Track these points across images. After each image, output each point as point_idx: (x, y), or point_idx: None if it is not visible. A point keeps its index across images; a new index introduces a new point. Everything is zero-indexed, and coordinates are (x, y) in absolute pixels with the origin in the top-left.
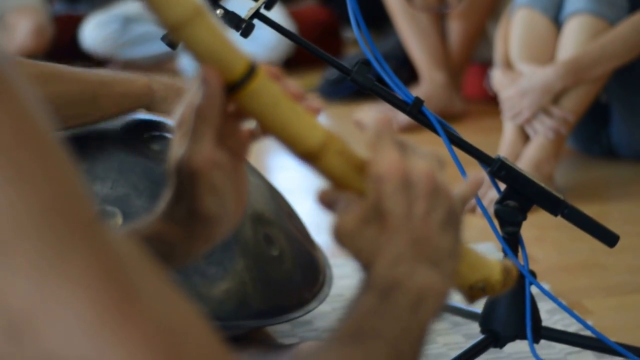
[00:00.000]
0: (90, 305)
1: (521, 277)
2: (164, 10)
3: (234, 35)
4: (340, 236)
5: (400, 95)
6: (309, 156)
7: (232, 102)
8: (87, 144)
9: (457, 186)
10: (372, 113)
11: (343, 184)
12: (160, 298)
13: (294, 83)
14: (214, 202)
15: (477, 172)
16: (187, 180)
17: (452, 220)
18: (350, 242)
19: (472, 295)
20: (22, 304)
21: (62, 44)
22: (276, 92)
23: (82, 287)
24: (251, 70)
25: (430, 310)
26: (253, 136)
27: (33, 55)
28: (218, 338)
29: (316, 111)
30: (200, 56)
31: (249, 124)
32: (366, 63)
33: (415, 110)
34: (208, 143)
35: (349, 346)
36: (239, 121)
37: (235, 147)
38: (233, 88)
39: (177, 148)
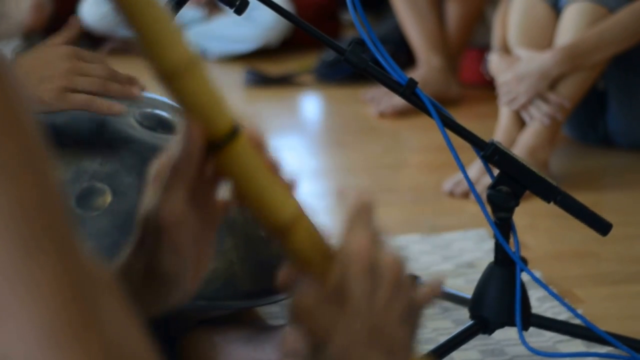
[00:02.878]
0: (48, 318)
1: (512, 264)
2: (159, 56)
3: (229, 13)
4: (298, 312)
5: (394, 76)
6: (278, 229)
7: (210, 161)
8: (75, 120)
9: (418, 289)
10: (357, 191)
11: (306, 265)
12: (118, 327)
13: (274, 154)
14: (173, 261)
15: (437, 277)
16: (151, 233)
17: (412, 317)
18: (307, 319)
19: None
20: None
21: (61, 21)
22: (255, 159)
23: (44, 296)
24: (234, 131)
25: None
26: (226, 208)
27: (32, 31)
28: None
29: (291, 186)
30: (187, 108)
31: (224, 194)
32: (360, 43)
33: (408, 91)
34: (179, 198)
35: None
36: (214, 188)
37: (207, 216)
38: (214, 147)
39: (148, 199)
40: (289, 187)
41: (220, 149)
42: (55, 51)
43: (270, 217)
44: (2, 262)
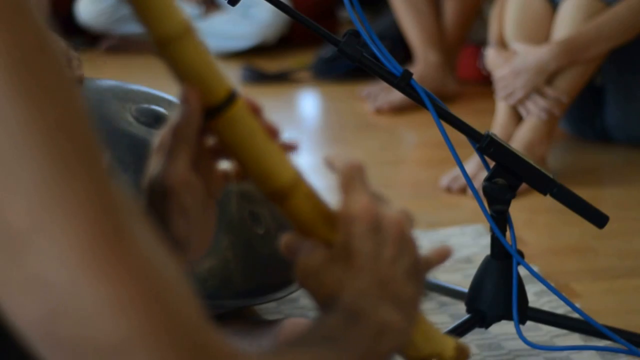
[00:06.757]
0: (83, 236)
1: (509, 257)
2: (155, 23)
3: (226, 11)
4: (304, 274)
5: (389, 68)
6: (278, 194)
7: (209, 128)
8: None
9: (424, 250)
10: (343, 156)
11: (308, 230)
12: (150, 248)
13: (271, 120)
14: (183, 225)
15: (444, 246)
16: (158, 199)
17: (417, 273)
18: (314, 279)
19: None
20: (19, 222)
21: (58, 19)
22: (253, 124)
23: (78, 216)
24: (231, 97)
25: (390, 344)
26: (226, 178)
27: None
28: (198, 299)
29: (292, 148)
30: (183, 75)
31: (225, 165)
32: (355, 34)
33: (403, 83)
34: (183, 163)
35: (322, 346)
36: (215, 159)
37: (208, 185)
38: (212, 113)
39: (152, 168)
40: (289, 150)
41: (218, 115)
42: None
43: (269, 182)
44: (37, 185)
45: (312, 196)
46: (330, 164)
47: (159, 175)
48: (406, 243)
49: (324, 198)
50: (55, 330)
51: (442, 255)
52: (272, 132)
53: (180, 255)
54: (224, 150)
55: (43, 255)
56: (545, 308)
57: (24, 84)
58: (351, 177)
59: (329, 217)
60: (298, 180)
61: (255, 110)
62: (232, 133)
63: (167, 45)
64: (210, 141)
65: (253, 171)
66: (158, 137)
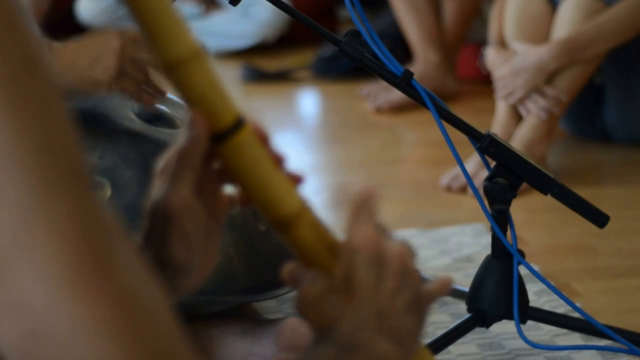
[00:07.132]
0: (63, 257)
1: (509, 257)
2: (164, 46)
3: (226, 10)
4: (304, 303)
5: (390, 67)
6: (282, 222)
7: (216, 153)
8: (73, 114)
9: (427, 283)
10: (359, 184)
11: (310, 259)
12: (132, 272)
13: (278, 148)
14: (182, 250)
15: (446, 276)
16: (160, 223)
17: (418, 307)
18: (314, 308)
19: None
20: (0, 240)
21: (58, 17)
22: (259, 152)
23: (59, 237)
24: (239, 123)
25: None
26: (232, 203)
27: None
28: (180, 327)
29: (297, 180)
30: (190, 99)
31: (230, 190)
32: (356, 34)
33: (404, 82)
34: (186, 187)
35: None
36: (220, 184)
37: (213, 210)
38: (218, 138)
39: (155, 192)
40: (293, 180)
41: (224, 141)
42: (104, 34)
43: (273, 210)
44: (20, 205)
45: (316, 225)
46: (344, 191)
47: (161, 199)
48: (408, 276)
49: (328, 227)
50: (34, 352)
51: (444, 286)
52: (279, 160)
53: (181, 280)
54: (229, 175)
55: (22, 275)
56: (546, 307)
57: (11, 102)
58: (361, 206)
59: (332, 247)
60: (303, 209)
61: (263, 138)
62: (237, 159)
63: (175, 68)
64: (216, 165)
65: (257, 199)
66: (162, 160)
